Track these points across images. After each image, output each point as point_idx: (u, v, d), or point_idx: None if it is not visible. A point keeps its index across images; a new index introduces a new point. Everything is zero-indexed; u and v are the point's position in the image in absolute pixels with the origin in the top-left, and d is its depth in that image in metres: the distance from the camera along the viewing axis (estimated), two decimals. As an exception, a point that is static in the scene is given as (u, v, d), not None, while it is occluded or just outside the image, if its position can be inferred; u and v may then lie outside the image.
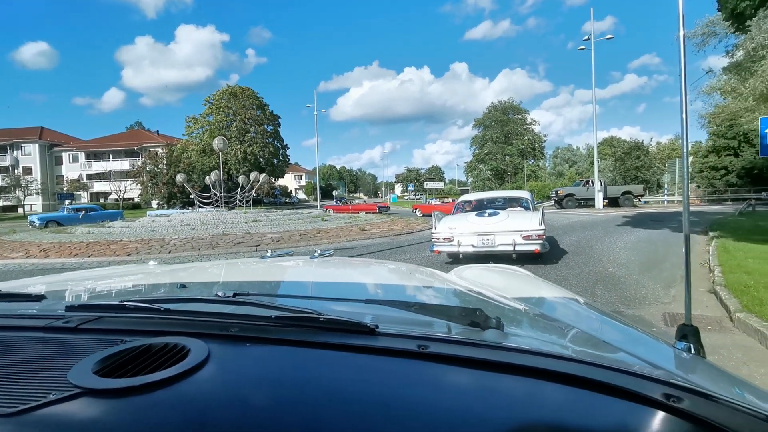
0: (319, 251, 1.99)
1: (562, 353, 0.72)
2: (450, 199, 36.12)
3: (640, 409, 0.54)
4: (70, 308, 0.85)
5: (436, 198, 36.21)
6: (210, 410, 0.53)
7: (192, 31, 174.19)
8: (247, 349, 0.69)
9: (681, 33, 1.66)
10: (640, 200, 28.60)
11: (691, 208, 2.46)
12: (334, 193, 62.33)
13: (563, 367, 0.60)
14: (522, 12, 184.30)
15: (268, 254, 2.03)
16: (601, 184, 26.73)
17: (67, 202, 31.05)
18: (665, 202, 29.75)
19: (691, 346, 0.98)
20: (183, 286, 1.33)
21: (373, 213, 23.80)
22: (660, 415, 0.52)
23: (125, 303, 0.82)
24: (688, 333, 1.03)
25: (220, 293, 0.91)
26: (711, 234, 10.21)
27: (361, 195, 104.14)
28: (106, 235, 13.52)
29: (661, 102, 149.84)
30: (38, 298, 1.02)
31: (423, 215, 22.79)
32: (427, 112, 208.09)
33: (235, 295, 0.91)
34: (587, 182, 28.49)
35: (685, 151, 1.82)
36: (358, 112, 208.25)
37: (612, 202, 27.06)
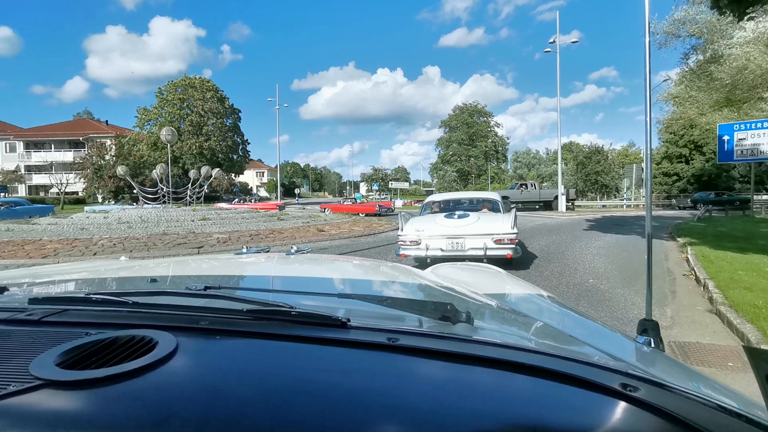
0: (295, 248, 1.97)
1: (527, 346, 0.73)
2: (360, 200, 35.32)
3: (599, 398, 0.55)
4: (33, 301, 0.82)
5: (348, 200, 34.88)
6: (177, 401, 0.52)
7: (167, 24, 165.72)
8: (217, 341, 0.68)
9: (646, 35, 1.91)
10: (571, 204, 27.93)
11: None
12: (296, 191, 60.40)
13: (528, 358, 0.61)
14: (495, 24, 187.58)
15: (245, 250, 2.00)
16: (535, 188, 27.55)
17: (2, 195, 28.44)
18: (625, 206, 30.39)
19: (651, 339, 1.07)
20: (154, 280, 1.32)
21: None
22: (618, 404, 0.54)
23: (91, 296, 0.79)
24: (649, 327, 1.16)
25: (191, 287, 0.89)
26: (680, 240, 9.94)
27: (326, 194, 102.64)
28: (26, 234, 11.83)
29: (616, 112, 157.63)
30: None
31: (331, 213, 23.35)
32: (397, 113, 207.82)
33: (206, 288, 0.88)
34: (522, 185, 28.73)
35: (648, 154, 1.87)
36: (329, 111, 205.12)
37: (546, 205, 27.20)
